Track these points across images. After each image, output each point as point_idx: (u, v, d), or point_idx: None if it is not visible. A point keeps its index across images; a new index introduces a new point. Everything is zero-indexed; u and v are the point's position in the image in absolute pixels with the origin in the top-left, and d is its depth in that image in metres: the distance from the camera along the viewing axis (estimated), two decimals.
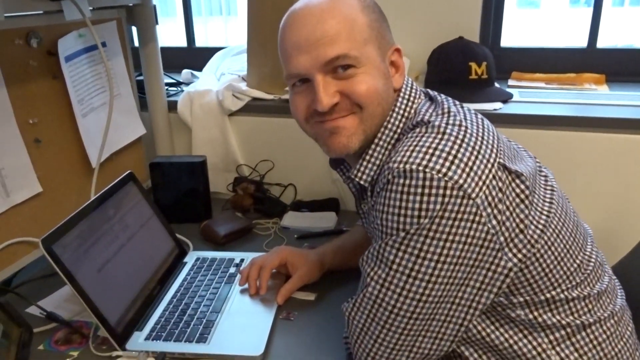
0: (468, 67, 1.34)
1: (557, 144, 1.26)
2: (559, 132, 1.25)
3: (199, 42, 1.87)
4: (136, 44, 1.47)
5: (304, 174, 1.48)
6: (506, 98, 1.35)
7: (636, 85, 1.44)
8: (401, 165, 0.71)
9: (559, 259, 0.76)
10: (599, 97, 1.35)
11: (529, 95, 1.39)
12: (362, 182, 0.85)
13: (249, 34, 1.45)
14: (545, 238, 0.74)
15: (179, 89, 1.63)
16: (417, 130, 0.78)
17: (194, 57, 1.82)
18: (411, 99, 0.85)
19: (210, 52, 1.74)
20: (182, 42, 1.87)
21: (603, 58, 1.49)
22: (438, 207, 0.68)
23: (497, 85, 1.41)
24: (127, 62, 1.35)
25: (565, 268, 0.76)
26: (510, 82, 1.51)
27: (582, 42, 1.51)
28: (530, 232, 0.73)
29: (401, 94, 0.85)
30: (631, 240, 1.26)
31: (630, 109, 1.26)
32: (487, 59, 1.36)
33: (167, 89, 1.56)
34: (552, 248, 0.75)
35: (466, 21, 1.46)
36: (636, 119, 1.20)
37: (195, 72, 1.70)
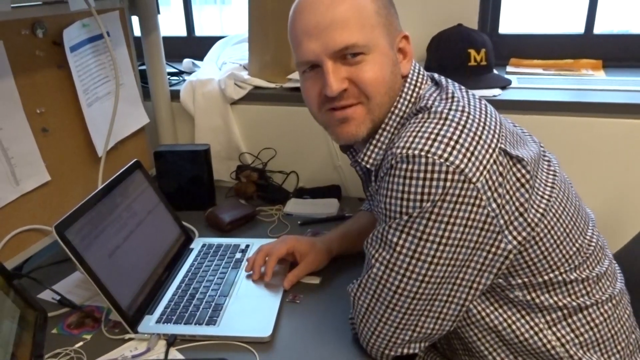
0: (467, 54, 1.35)
1: (555, 129, 1.27)
2: (557, 117, 1.27)
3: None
4: (136, 33, 1.47)
5: (306, 161, 1.50)
6: (505, 84, 1.36)
7: (633, 71, 1.45)
8: (404, 151, 0.73)
9: (558, 242, 0.77)
10: (596, 83, 1.36)
11: (527, 82, 1.40)
12: (368, 166, 0.87)
13: (250, 23, 1.46)
14: (545, 222, 0.76)
15: (181, 78, 1.64)
16: (420, 115, 0.79)
17: (194, 46, 1.83)
18: (418, 84, 0.87)
19: (210, 41, 1.74)
20: (177, 32, 1.86)
21: (600, 44, 1.50)
22: (440, 191, 0.71)
23: (495, 71, 1.43)
24: (130, 51, 1.36)
25: (564, 251, 0.78)
26: (509, 68, 1.52)
27: (579, 28, 1.52)
28: (531, 215, 0.75)
29: (408, 80, 0.87)
30: (629, 224, 1.28)
31: (627, 93, 1.28)
32: (486, 45, 1.38)
33: (169, 79, 1.57)
34: (552, 232, 0.77)
35: (465, 8, 1.47)
36: (633, 103, 1.21)
37: (196, 62, 1.71)
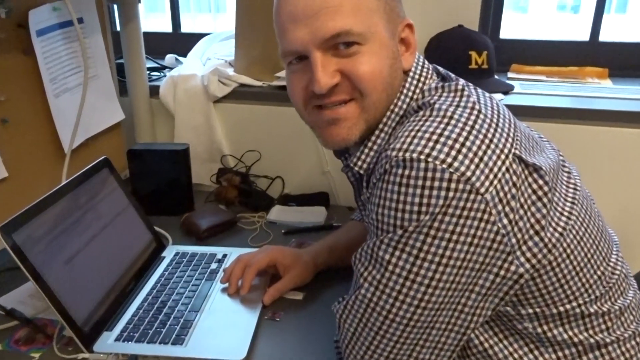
0: (468, 56, 1.28)
1: (560, 136, 1.20)
2: (563, 124, 1.20)
3: None
4: (118, 28, 1.38)
5: (292, 166, 1.42)
6: (507, 89, 1.29)
7: None
8: (400, 154, 0.63)
9: (577, 268, 0.68)
10: (602, 91, 1.30)
11: (531, 88, 1.33)
12: (360, 171, 0.77)
13: (238, 15, 1.37)
14: (565, 244, 0.66)
15: (162, 73, 1.55)
16: (421, 113, 0.70)
17: (180, 42, 1.74)
18: (422, 79, 0.77)
19: (197, 37, 1.66)
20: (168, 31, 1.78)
21: (606, 52, 1.44)
22: (441, 202, 0.61)
23: (496, 77, 1.35)
24: (106, 42, 1.27)
25: (584, 279, 0.69)
26: (510, 74, 1.45)
27: (584, 35, 1.46)
28: (548, 235, 0.65)
29: (410, 74, 0.76)
30: (637, 238, 1.21)
31: (635, 102, 1.21)
32: (487, 48, 1.30)
33: (149, 74, 1.48)
34: (572, 256, 0.67)
35: (466, 10, 1.40)
36: None
37: (179, 58, 1.62)
